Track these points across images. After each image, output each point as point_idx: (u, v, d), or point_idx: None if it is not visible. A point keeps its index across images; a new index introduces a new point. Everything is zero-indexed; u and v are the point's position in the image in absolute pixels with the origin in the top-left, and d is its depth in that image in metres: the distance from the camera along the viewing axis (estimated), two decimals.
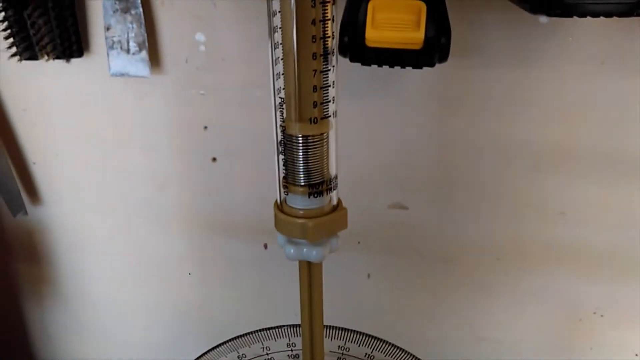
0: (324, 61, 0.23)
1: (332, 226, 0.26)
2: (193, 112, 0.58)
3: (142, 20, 0.53)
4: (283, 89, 0.24)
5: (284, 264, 0.64)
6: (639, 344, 0.58)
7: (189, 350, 0.62)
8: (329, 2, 0.22)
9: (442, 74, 0.50)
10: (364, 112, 0.55)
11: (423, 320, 0.64)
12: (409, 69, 0.42)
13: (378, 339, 0.31)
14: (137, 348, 0.72)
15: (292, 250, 0.26)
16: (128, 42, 0.54)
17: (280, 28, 0.22)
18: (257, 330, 0.32)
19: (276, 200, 0.27)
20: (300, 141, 0.24)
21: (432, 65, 0.41)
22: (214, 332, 0.68)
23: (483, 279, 0.61)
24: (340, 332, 0.30)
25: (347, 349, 0.30)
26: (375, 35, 0.39)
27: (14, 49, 0.56)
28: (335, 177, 0.26)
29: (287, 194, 0.26)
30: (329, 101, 0.24)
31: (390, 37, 0.39)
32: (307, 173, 0.24)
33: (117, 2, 0.53)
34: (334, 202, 0.26)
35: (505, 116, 0.52)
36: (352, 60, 0.42)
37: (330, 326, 0.31)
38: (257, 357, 0.31)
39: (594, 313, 0.58)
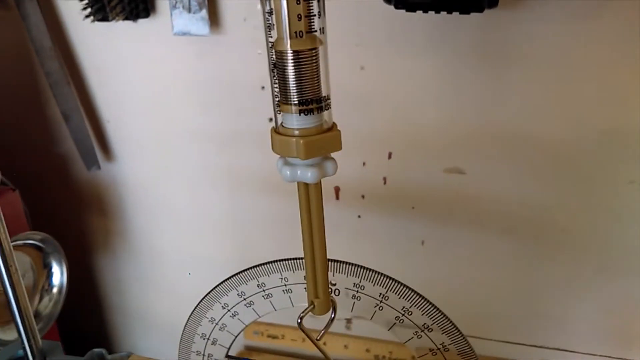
0: None
1: (325, 145, 0.26)
2: (251, 72, 0.59)
3: None
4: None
5: (338, 226, 0.64)
6: None
7: None
8: None
9: (501, 27, 0.48)
10: (419, 69, 0.53)
11: (480, 293, 0.62)
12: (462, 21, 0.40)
13: (394, 280, 0.30)
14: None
15: (288, 172, 0.26)
16: (189, 1, 0.56)
17: None
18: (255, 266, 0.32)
19: (272, 127, 0.27)
20: (290, 56, 0.24)
21: (480, 10, 0.39)
22: None
23: (546, 253, 0.57)
24: (356, 269, 0.30)
25: (362, 287, 0.30)
26: None
27: (87, 11, 0.59)
28: (328, 97, 0.25)
29: (279, 112, 0.26)
30: (314, 15, 0.24)
31: None
32: (298, 90, 0.24)
33: None
34: (328, 125, 0.26)
35: (574, 74, 0.48)
36: (397, 7, 0.40)
37: (346, 262, 0.31)
38: (256, 294, 0.32)
39: None
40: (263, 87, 0.59)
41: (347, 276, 0.30)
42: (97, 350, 0.37)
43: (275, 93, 0.26)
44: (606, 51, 0.47)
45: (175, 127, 0.65)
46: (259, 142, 0.62)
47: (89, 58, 0.64)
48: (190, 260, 0.73)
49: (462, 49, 0.51)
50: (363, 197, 0.61)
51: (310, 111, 0.25)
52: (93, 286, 0.80)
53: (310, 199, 0.28)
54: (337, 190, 0.62)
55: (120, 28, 0.60)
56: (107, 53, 0.63)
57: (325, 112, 0.26)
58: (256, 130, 0.61)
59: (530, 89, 0.51)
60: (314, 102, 0.25)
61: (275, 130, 0.26)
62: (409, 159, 0.58)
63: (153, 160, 0.68)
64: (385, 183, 0.60)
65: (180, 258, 0.73)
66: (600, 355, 0.59)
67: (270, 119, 0.60)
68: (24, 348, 0.36)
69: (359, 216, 0.63)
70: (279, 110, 0.26)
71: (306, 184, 0.27)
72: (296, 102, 0.25)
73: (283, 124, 0.26)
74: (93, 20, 0.60)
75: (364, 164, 0.60)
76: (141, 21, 0.59)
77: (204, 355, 0.34)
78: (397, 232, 0.62)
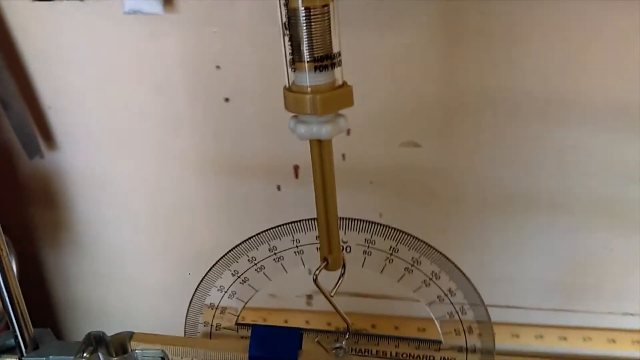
0: None
1: (339, 100, 0.27)
2: (205, 51, 0.58)
3: None
4: None
5: (297, 205, 0.65)
6: None
7: None
8: None
9: (456, 7, 0.51)
10: (376, 48, 0.55)
11: None
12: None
13: (403, 232, 0.31)
14: (153, 291, 0.74)
15: (302, 130, 0.27)
16: None
17: None
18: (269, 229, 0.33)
19: (285, 86, 0.28)
20: (303, 14, 0.25)
21: None
22: None
23: (494, 217, 0.61)
24: (366, 225, 0.31)
25: (374, 242, 0.31)
26: None
27: None
28: (339, 54, 0.27)
29: (294, 71, 0.27)
30: None
31: None
32: (311, 47, 0.26)
33: None
34: (340, 82, 0.27)
35: (519, 54, 0.52)
36: None
37: (357, 219, 0.32)
38: (267, 258, 0.33)
39: (605, 248, 0.59)
40: (218, 67, 0.59)
41: (358, 232, 0.31)
42: (95, 331, 0.35)
43: (288, 52, 0.27)
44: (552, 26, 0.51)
45: (125, 111, 0.63)
46: (214, 123, 0.62)
47: (29, 41, 0.61)
48: (143, 250, 0.71)
49: (419, 24, 0.53)
50: None
51: (325, 67, 0.26)
52: (42, 280, 0.76)
53: (323, 155, 0.29)
54: (296, 168, 0.63)
55: (63, 8, 0.58)
56: (49, 35, 0.60)
57: (337, 69, 0.27)
58: (212, 110, 0.61)
59: (481, 61, 0.54)
60: (327, 58, 0.26)
61: (288, 89, 0.27)
62: (367, 135, 0.59)
63: (101, 147, 0.66)
64: (344, 159, 0.61)
65: (134, 248, 0.71)
66: (547, 309, 0.64)
67: (227, 99, 0.60)
68: (16, 337, 0.34)
69: None
70: (293, 68, 0.27)
71: (319, 141, 0.28)
72: (310, 59, 0.26)
73: (296, 82, 0.27)
74: (33, 0, 0.57)
75: None
76: (88, 0, 0.57)
77: (212, 325, 0.34)
78: (356, 206, 0.63)
